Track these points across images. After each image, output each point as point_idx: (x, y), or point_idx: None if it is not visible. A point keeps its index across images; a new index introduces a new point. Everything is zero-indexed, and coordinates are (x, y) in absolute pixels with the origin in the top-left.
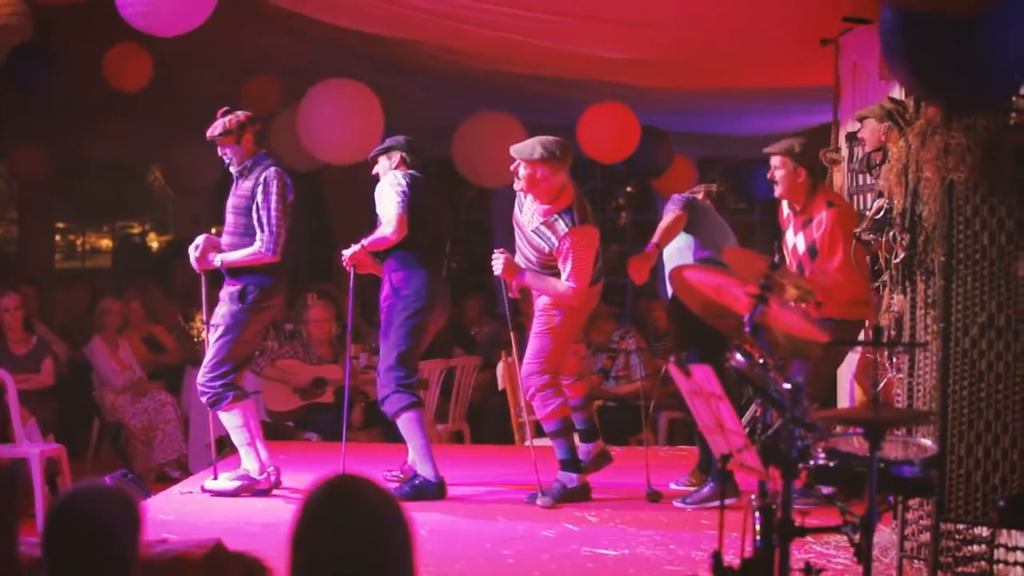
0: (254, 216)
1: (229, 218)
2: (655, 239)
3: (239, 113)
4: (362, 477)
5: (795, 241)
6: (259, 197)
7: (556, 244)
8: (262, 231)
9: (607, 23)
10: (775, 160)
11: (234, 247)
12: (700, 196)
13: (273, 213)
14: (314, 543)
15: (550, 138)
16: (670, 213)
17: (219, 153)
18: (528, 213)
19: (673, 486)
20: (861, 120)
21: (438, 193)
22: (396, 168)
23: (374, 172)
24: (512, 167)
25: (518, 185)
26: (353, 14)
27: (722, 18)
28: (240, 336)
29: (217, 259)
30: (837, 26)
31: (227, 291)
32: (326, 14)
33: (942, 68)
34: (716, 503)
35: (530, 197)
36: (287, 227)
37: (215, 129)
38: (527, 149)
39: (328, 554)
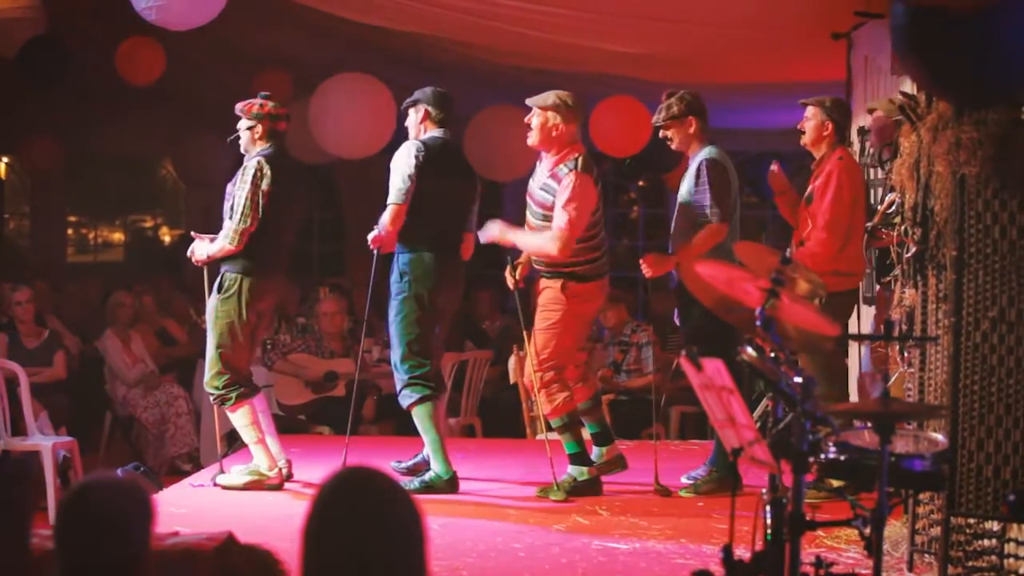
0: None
1: (224, 206)
2: (681, 254)
3: (268, 104)
4: (375, 470)
5: (806, 196)
6: (236, 184)
7: (558, 189)
8: (229, 219)
9: (620, 17)
10: (808, 111)
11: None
12: (694, 128)
13: (241, 202)
14: (326, 536)
15: (565, 91)
16: (716, 222)
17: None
18: (538, 177)
19: (684, 480)
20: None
21: (459, 155)
22: (422, 122)
23: (406, 124)
24: (526, 118)
25: (531, 139)
26: (365, 9)
27: (734, 12)
28: (221, 327)
29: (201, 252)
30: (849, 20)
31: (214, 285)
32: (339, 9)
33: (953, 63)
34: (723, 489)
35: (544, 163)
36: (255, 217)
37: (239, 105)
38: (542, 97)
39: (340, 547)
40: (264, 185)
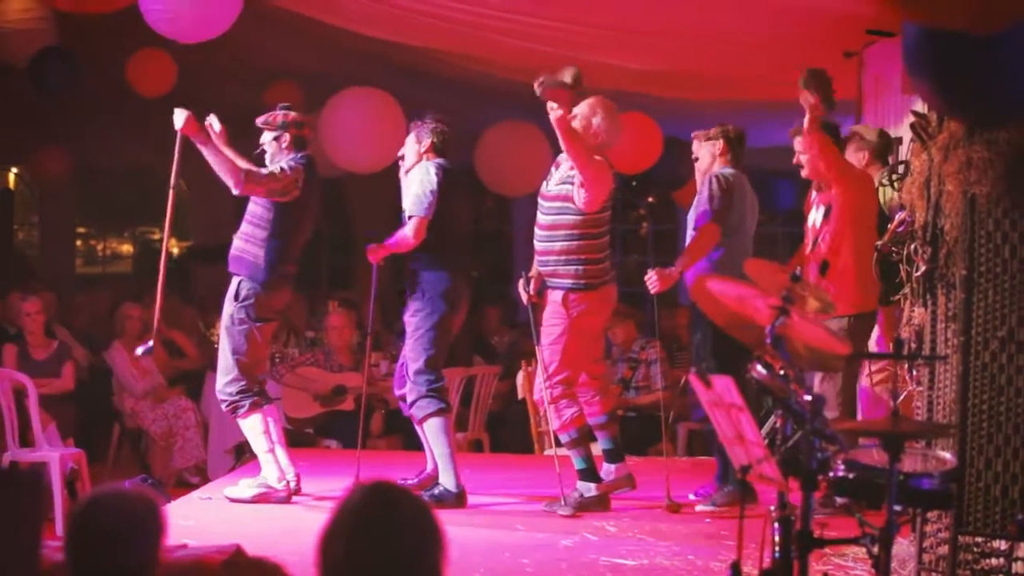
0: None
1: (248, 206)
2: (681, 264)
3: (289, 112)
4: (399, 486)
5: (815, 218)
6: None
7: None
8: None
9: (630, 34)
10: (799, 144)
11: (245, 235)
12: (720, 148)
13: (278, 168)
14: (352, 549)
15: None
16: (706, 221)
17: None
18: (555, 177)
19: (692, 496)
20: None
21: (463, 187)
22: (426, 152)
23: (400, 154)
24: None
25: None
26: (375, 23)
27: (745, 30)
28: (237, 335)
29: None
30: (860, 39)
31: (229, 293)
32: (349, 23)
33: (964, 83)
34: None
35: (564, 166)
36: (271, 187)
37: (259, 118)
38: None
39: (365, 561)
40: (298, 187)
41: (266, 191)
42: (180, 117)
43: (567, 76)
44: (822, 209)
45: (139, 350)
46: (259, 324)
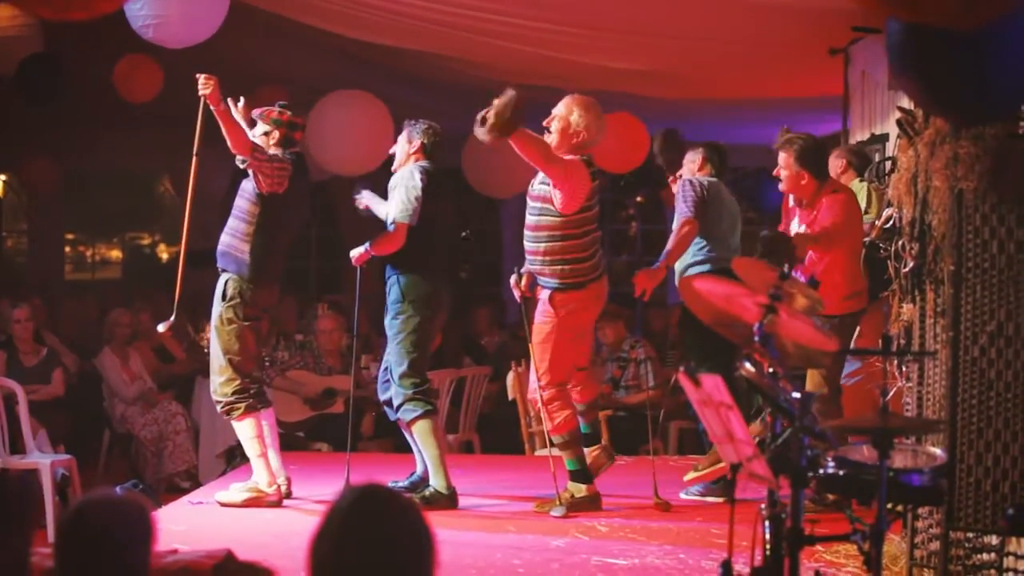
0: None
1: (235, 201)
2: (665, 259)
3: (285, 112)
4: (388, 488)
5: (796, 229)
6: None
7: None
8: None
9: (617, 34)
10: (780, 158)
11: (231, 230)
12: (698, 164)
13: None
14: (342, 552)
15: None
16: (682, 218)
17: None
18: (538, 177)
19: (683, 495)
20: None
21: (446, 189)
22: (414, 153)
23: (390, 151)
24: (545, 123)
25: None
26: (362, 26)
27: (731, 28)
28: (228, 334)
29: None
30: (846, 35)
31: (216, 292)
32: (335, 26)
33: (949, 81)
34: (718, 496)
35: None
36: (271, 167)
37: (256, 110)
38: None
39: (355, 564)
40: (282, 183)
41: (268, 169)
42: (206, 83)
43: (507, 105)
44: (803, 227)
45: (160, 327)
46: (248, 323)
